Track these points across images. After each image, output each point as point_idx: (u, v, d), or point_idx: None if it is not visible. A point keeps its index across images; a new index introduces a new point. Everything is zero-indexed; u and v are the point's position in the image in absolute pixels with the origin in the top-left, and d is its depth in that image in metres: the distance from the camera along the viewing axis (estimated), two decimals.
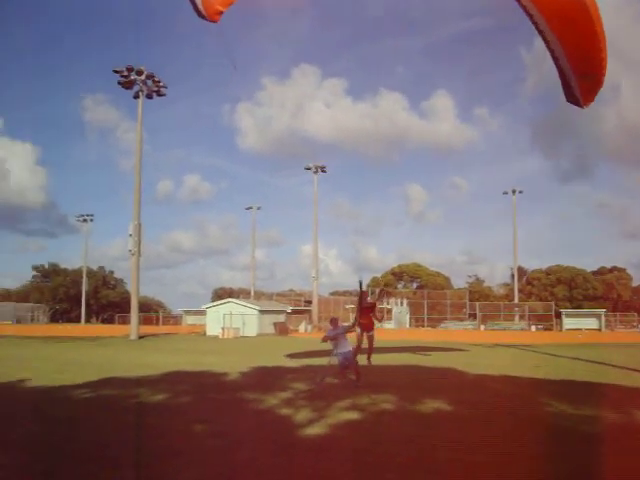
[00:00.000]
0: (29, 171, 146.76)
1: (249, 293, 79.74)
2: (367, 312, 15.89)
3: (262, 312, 52.01)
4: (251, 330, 48.92)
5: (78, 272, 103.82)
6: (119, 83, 45.06)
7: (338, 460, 7.16)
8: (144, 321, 61.68)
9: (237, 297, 65.66)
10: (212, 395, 12.83)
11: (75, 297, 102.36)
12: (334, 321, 14.66)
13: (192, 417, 10.09)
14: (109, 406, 11.43)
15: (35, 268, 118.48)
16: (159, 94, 46.37)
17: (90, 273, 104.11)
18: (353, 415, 10.04)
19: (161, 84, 46.12)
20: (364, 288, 16.23)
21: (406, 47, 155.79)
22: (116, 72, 44.79)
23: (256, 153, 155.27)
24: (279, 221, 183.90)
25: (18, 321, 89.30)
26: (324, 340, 14.15)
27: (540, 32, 6.83)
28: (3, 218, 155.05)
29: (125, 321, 78.01)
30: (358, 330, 15.75)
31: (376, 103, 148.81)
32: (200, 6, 6.29)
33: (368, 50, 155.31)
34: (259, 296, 78.06)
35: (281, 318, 55.33)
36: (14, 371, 17.04)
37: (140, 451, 7.50)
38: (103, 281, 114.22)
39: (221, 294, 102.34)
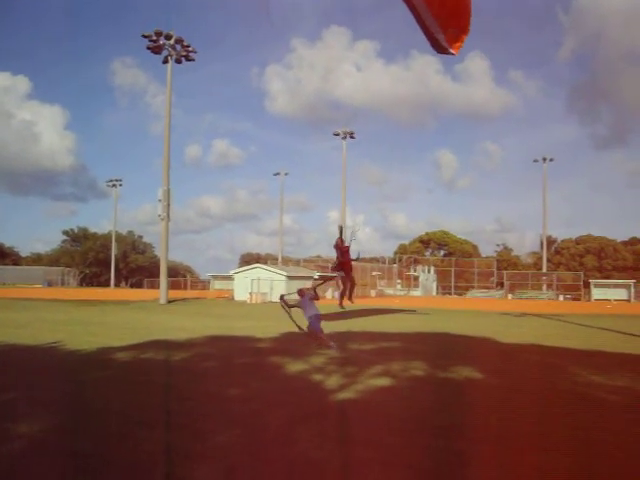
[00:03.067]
0: (58, 135, 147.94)
1: (276, 259, 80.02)
2: (347, 255, 16.98)
3: (290, 278, 52.10)
4: (278, 295, 48.99)
5: (107, 236, 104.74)
6: (148, 48, 44.71)
7: (371, 425, 7.20)
8: (172, 285, 62.14)
9: (265, 263, 65.91)
10: (242, 360, 12.93)
11: (104, 261, 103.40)
12: (301, 292, 15.35)
13: (223, 381, 10.20)
14: (142, 368, 11.61)
15: (65, 232, 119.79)
16: (188, 59, 46.06)
17: (119, 238, 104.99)
18: (385, 381, 10.07)
19: (190, 49, 45.74)
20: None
21: None
22: (145, 37, 44.49)
23: (285, 117, 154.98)
24: (307, 187, 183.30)
25: (49, 284, 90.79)
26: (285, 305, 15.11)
27: None
28: (34, 182, 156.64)
29: (154, 285, 78.69)
30: (342, 273, 17.11)
31: (408, 66, 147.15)
32: None
33: (400, 11, 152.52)
34: (287, 262, 78.27)
35: (308, 284, 55.46)
36: (48, 334, 17.33)
37: (173, 413, 7.62)
38: (132, 246, 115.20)
39: (248, 259, 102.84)
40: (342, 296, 17.85)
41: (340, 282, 17.78)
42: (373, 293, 66.66)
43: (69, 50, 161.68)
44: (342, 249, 16.89)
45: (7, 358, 12.98)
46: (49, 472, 5.47)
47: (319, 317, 14.56)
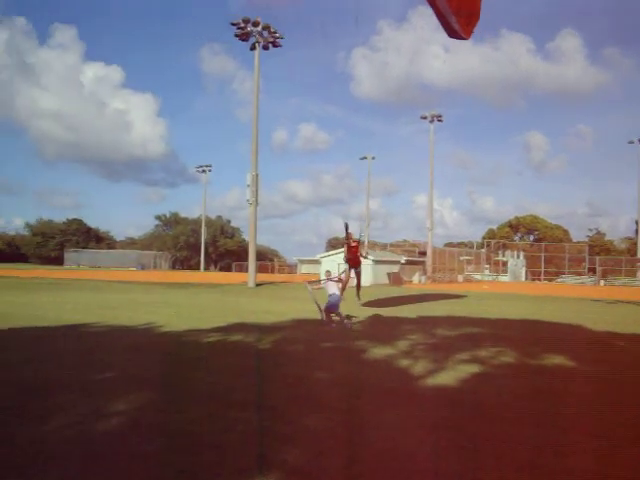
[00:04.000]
0: (151, 122, 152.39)
1: (363, 243, 79.85)
2: (354, 251, 18.13)
3: (376, 262, 52.06)
4: (365, 280, 48.88)
5: (197, 221, 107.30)
6: (236, 35, 45.09)
7: (461, 412, 7.15)
8: (260, 269, 63.13)
9: None
10: (330, 343, 13.03)
11: (195, 245, 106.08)
12: (328, 273, 17.32)
13: (311, 364, 10.31)
14: (234, 350, 11.85)
15: (157, 217, 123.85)
16: (275, 45, 46.18)
17: (209, 222, 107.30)
18: (474, 368, 9.96)
19: (277, 35, 45.84)
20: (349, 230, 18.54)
21: None
22: (233, 24, 44.94)
23: (371, 101, 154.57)
24: (394, 170, 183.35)
25: (142, 268, 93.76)
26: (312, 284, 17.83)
27: None
28: (127, 169, 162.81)
29: (242, 269, 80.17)
30: (347, 266, 18.13)
31: (497, 45, 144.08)
32: None
33: None
34: (373, 246, 78.17)
35: (395, 269, 55.25)
36: (142, 315, 17.90)
37: (262, 395, 7.75)
38: (221, 230, 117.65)
39: (335, 244, 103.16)
40: (342, 290, 18.37)
41: (344, 276, 18.43)
42: (461, 278, 65.87)
43: (160, 39, 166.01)
44: (348, 245, 18.02)
45: (105, 338, 13.50)
46: (146, 449, 5.66)
47: (337, 298, 16.15)
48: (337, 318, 16.14)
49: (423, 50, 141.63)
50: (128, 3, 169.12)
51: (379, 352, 11.47)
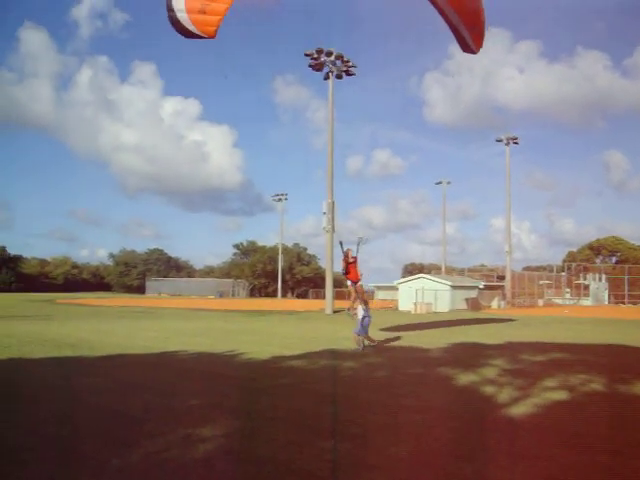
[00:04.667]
0: (228, 153, 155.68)
1: (440, 268, 79.08)
2: (352, 267, 18.31)
3: (454, 287, 51.40)
4: (443, 305, 48.56)
5: (274, 249, 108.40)
6: (310, 66, 45.73)
7: (548, 441, 6.97)
8: (337, 296, 63.21)
9: (428, 272, 65.45)
10: (412, 370, 12.93)
11: (272, 273, 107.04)
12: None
13: (394, 391, 10.24)
14: (316, 377, 11.93)
15: (235, 246, 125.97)
16: (348, 74, 46.58)
17: (285, 250, 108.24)
18: (560, 395, 9.70)
19: (350, 64, 46.23)
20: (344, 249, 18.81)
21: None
22: (307, 55, 45.61)
23: (445, 125, 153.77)
24: (470, 194, 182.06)
25: (221, 295, 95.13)
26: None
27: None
28: (205, 199, 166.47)
29: (319, 296, 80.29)
30: (349, 283, 18.62)
31: (573, 64, 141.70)
32: (191, 27, 6.32)
33: (564, 7, 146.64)
34: (450, 271, 77.27)
35: (473, 294, 54.36)
36: (224, 343, 18.16)
37: (346, 423, 7.71)
38: (298, 257, 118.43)
39: (411, 269, 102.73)
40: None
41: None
42: (541, 302, 64.35)
43: (234, 71, 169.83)
44: (346, 262, 18.28)
45: (189, 365, 13.77)
46: (233, 476, 5.73)
47: (366, 320, 17.04)
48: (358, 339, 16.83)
49: (496, 72, 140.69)
50: (202, 40, 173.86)
51: (464, 379, 11.30)
